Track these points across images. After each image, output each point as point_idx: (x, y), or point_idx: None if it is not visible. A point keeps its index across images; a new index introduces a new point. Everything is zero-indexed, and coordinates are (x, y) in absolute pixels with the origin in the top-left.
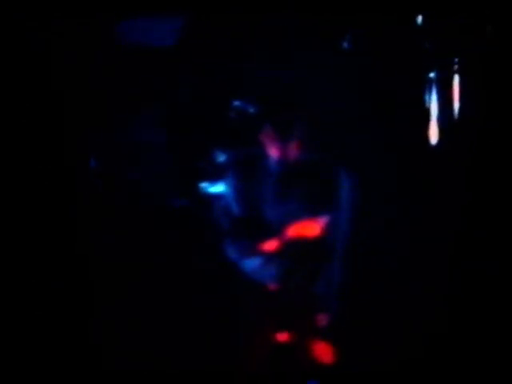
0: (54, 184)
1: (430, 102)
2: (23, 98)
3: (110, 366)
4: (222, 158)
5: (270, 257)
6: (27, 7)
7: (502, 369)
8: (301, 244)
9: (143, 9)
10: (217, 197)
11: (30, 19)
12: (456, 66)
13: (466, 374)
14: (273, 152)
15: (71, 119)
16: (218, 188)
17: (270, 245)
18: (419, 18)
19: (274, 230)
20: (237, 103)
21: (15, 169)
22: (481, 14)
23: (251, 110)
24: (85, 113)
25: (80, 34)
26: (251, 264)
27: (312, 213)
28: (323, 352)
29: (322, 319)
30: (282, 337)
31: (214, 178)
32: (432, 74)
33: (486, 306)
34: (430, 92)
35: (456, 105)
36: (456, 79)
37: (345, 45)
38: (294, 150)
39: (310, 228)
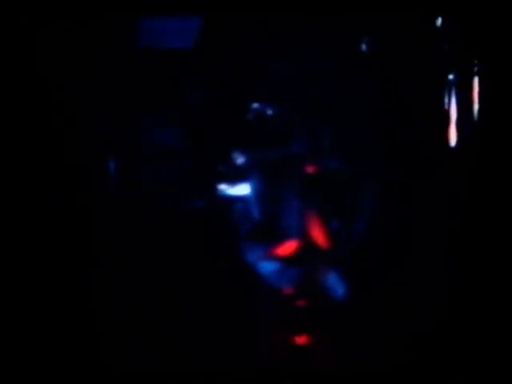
0: (69, 185)
1: (449, 105)
2: (36, 98)
3: (124, 367)
4: (240, 160)
5: (287, 261)
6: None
7: (502, 369)
8: (318, 250)
9: (160, 10)
10: (236, 199)
11: (43, 19)
12: (476, 68)
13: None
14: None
15: (88, 120)
16: (237, 190)
17: (288, 249)
18: (438, 20)
19: (293, 235)
20: (255, 105)
21: (31, 169)
22: (500, 16)
23: (269, 112)
24: (102, 114)
25: (95, 35)
26: (268, 267)
27: (331, 219)
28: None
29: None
30: (299, 340)
31: (233, 181)
32: (451, 76)
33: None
34: (450, 94)
35: (476, 107)
36: (475, 81)
37: (363, 47)
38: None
39: (327, 234)
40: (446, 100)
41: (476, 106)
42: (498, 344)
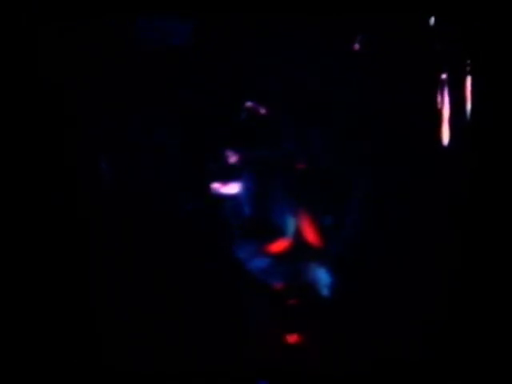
0: (63, 185)
1: (441, 104)
2: (36, 98)
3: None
4: (233, 159)
5: (279, 258)
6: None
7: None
8: (309, 247)
9: (159, 10)
10: (228, 198)
11: (43, 19)
12: (468, 67)
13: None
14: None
15: (87, 120)
16: (229, 189)
17: (279, 246)
18: (431, 19)
19: (284, 232)
20: (248, 104)
21: (31, 169)
22: (492, 15)
23: (262, 111)
24: (101, 113)
25: (94, 35)
26: (260, 264)
27: (323, 217)
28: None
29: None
30: (291, 338)
31: (225, 180)
32: (444, 76)
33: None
34: (442, 93)
35: (468, 106)
36: (468, 80)
37: (355, 46)
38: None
39: (319, 232)
40: (439, 99)
41: (468, 105)
42: (498, 344)
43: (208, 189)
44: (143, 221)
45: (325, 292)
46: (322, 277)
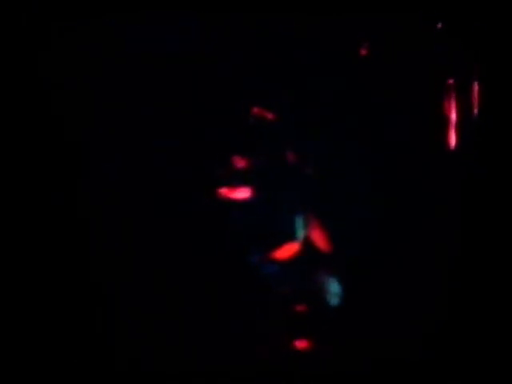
0: (63, 185)
1: (449, 109)
2: (36, 98)
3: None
4: (241, 164)
5: (287, 263)
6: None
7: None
8: (318, 253)
9: (160, 10)
10: (236, 203)
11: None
12: (475, 72)
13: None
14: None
15: (84, 125)
16: (238, 194)
17: (288, 252)
18: (438, 24)
19: (292, 237)
20: (256, 109)
21: (31, 169)
22: (500, 19)
23: (270, 117)
24: (101, 118)
25: (91, 33)
26: (268, 270)
27: (331, 223)
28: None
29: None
30: (299, 343)
31: (233, 185)
32: (451, 80)
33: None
34: (450, 98)
35: (475, 111)
36: (475, 85)
37: (362, 51)
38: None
39: (328, 238)
40: (446, 104)
41: (476, 110)
42: (498, 344)
43: (217, 194)
44: (150, 225)
45: (334, 301)
46: (332, 285)
